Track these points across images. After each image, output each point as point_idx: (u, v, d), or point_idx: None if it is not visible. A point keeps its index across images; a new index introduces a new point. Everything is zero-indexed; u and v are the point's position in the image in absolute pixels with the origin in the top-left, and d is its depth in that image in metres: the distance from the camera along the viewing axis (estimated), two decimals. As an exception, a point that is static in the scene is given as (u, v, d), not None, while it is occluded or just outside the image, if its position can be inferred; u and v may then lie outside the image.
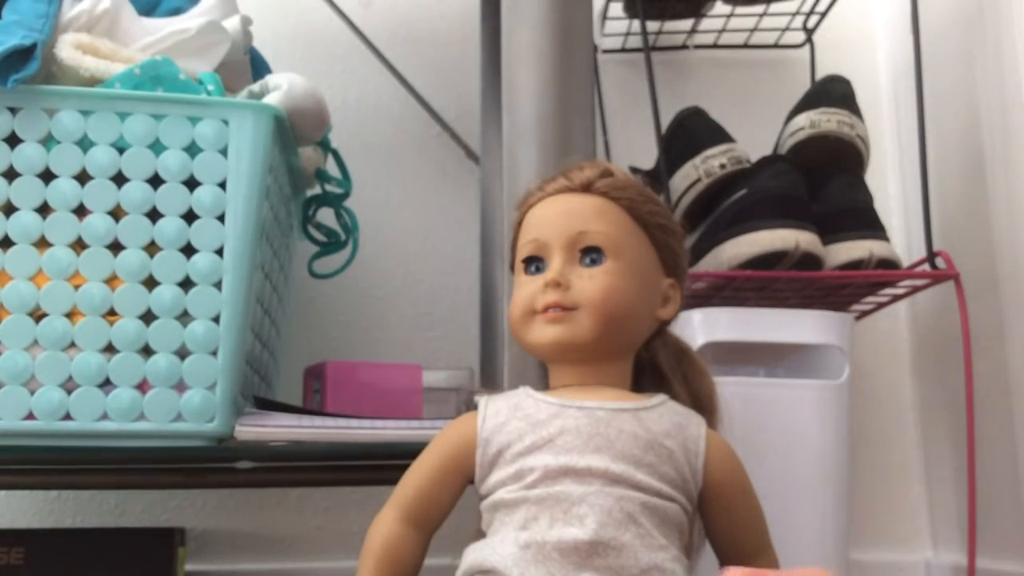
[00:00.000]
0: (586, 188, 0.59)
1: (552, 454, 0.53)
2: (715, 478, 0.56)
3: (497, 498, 0.54)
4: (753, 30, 1.14)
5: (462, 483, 0.57)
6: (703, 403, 0.60)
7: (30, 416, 0.63)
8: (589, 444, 0.53)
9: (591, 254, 0.57)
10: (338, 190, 0.87)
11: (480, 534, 0.56)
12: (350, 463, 0.78)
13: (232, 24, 0.77)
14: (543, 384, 0.61)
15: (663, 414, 0.56)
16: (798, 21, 1.13)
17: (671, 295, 0.60)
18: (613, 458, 0.53)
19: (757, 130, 1.01)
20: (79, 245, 0.65)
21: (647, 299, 0.59)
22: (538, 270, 0.58)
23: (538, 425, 0.55)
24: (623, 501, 0.52)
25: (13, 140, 0.65)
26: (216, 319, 0.66)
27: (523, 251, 0.59)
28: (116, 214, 0.65)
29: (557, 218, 0.58)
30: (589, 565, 0.50)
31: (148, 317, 0.65)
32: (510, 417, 0.56)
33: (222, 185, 0.66)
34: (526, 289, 0.58)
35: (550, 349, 0.57)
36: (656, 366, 0.62)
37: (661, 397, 0.58)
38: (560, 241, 0.57)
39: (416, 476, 0.58)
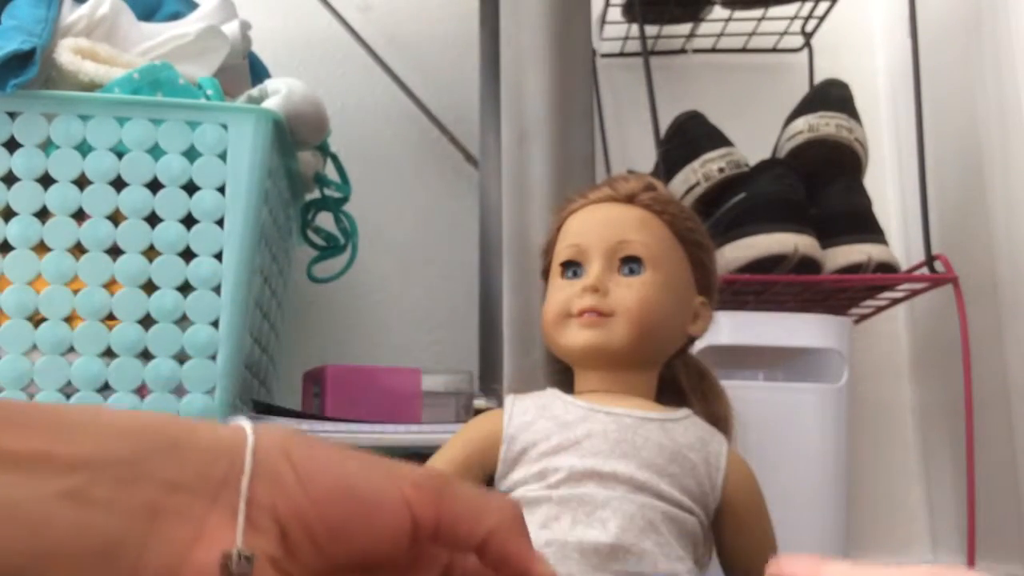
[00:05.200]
0: (630, 199, 0.60)
1: (578, 456, 0.54)
2: (732, 496, 0.56)
3: (518, 495, 0.55)
4: (751, 34, 1.14)
5: (482, 478, 0.58)
6: (718, 424, 0.61)
7: (29, 421, 0.63)
8: (616, 450, 0.54)
9: (630, 264, 0.58)
10: (337, 194, 0.87)
11: None
12: (349, 467, 0.78)
13: (231, 29, 0.77)
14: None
15: (688, 427, 0.57)
16: (796, 25, 1.13)
17: (701, 312, 0.61)
18: (638, 466, 0.53)
19: (755, 134, 1.01)
20: (78, 249, 0.65)
21: (679, 314, 0.59)
22: (575, 275, 0.59)
23: (566, 427, 0.55)
24: (645, 509, 0.52)
25: (12, 145, 0.65)
26: (215, 323, 0.66)
27: (562, 255, 0.60)
28: (115, 218, 0.65)
29: (599, 226, 0.59)
30: (607, 568, 0.50)
31: (147, 321, 0.65)
32: (537, 417, 0.56)
33: (221, 189, 0.67)
34: (563, 293, 0.58)
35: (582, 352, 0.58)
36: (676, 384, 0.62)
37: (686, 411, 0.58)
38: (601, 248, 0.58)
39: (437, 467, 0.58)
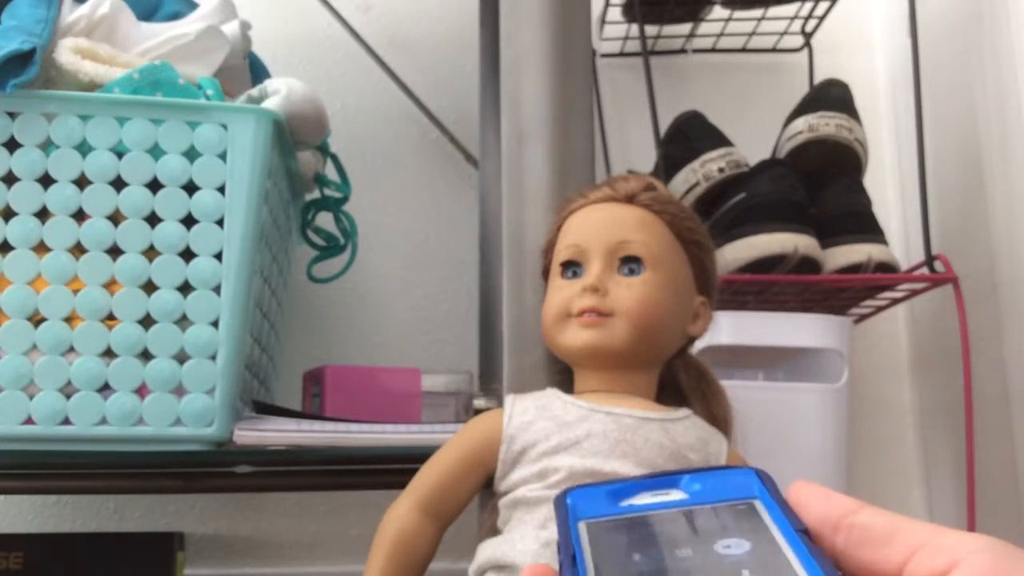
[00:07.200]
0: (630, 199, 0.60)
1: (578, 456, 0.54)
2: None
3: (518, 495, 0.54)
4: (751, 34, 1.14)
5: (482, 478, 0.58)
6: (718, 424, 0.61)
7: (29, 421, 0.63)
8: (616, 450, 0.53)
9: (630, 264, 0.58)
10: (337, 194, 0.87)
11: (492, 531, 0.56)
12: (349, 467, 0.78)
13: (231, 29, 0.77)
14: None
15: (688, 427, 0.57)
16: (796, 25, 1.14)
17: (701, 312, 0.61)
18: (638, 465, 0.53)
19: (755, 134, 1.01)
20: (78, 249, 0.65)
21: (680, 314, 0.59)
22: (575, 275, 0.59)
23: (565, 427, 0.55)
24: None
25: (12, 145, 0.65)
26: (215, 323, 0.65)
27: (562, 255, 0.60)
28: (115, 218, 0.65)
29: (599, 225, 0.59)
30: None
31: (147, 321, 0.65)
32: (537, 417, 0.56)
33: (221, 189, 0.66)
34: (562, 293, 0.58)
35: (582, 353, 0.58)
36: (676, 384, 0.62)
37: (686, 411, 0.58)
38: (601, 248, 0.58)
39: (436, 468, 0.58)
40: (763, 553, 0.25)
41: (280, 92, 0.72)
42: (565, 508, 0.29)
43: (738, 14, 1.11)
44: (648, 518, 0.28)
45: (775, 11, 1.11)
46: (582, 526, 0.28)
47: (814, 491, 0.27)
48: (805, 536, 0.25)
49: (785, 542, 0.25)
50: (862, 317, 1.01)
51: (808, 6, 1.10)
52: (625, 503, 0.29)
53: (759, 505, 0.27)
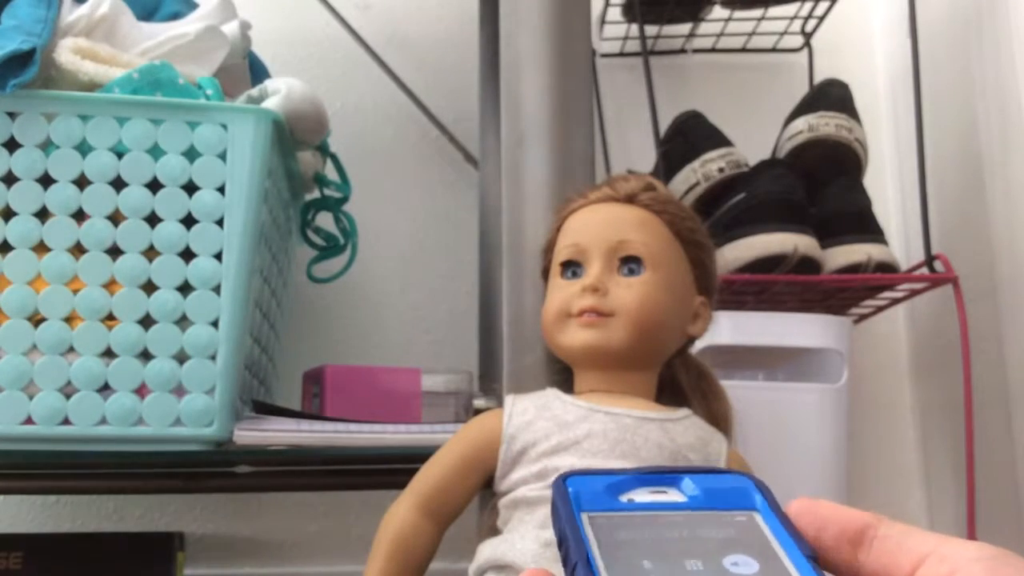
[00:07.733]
0: (630, 199, 0.60)
1: (578, 456, 0.54)
2: None
3: (518, 495, 0.55)
4: (751, 34, 1.14)
5: (482, 478, 0.58)
6: (718, 424, 0.61)
7: (29, 421, 0.63)
8: (615, 450, 0.54)
9: (630, 264, 0.58)
10: (337, 194, 0.87)
11: (492, 531, 0.57)
12: (349, 467, 0.79)
13: (231, 29, 0.77)
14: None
15: (688, 427, 0.57)
16: (796, 25, 1.13)
17: (701, 312, 0.61)
18: (637, 465, 0.53)
19: (755, 134, 1.01)
20: (78, 249, 0.65)
21: (679, 314, 0.59)
22: (575, 275, 0.59)
23: (565, 427, 0.55)
24: None
25: (12, 145, 0.65)
26: (215, 323, 0.65)
27: (562, 255, 0.60)
28: (115, 218, 0.65)
29: (599, 225, 0.59)
30: None
31: (147, 321, 0.65)
32: (537, 417, 0.56)
33: (221, 189, 0.66)
34: (563, 292, 0.58)
35: (582, 353, 0.58)
36: (676, 384, 0.62)
37: (686, 411, 0.58)
38: (600, 248, 0.58)
39: (436, 467, 0.58)
40: None
41: (280, 92, 0.72)
42: (567, 496, 0.28)
43: (738, 14, 1.11)
44: (651, 519, 0.27)
45: (775, 11, 1.11)
46: (585, 519, 0.27)
47: (826, 508, 0.27)
48: (814, 563, 0.25)
49: (794, 567, 0.25)
50: (862, 317, 1.01)
51: (808, 6, 1.10)
52: (625, 498, 0.28)
53: (759, 519, 0.27)
